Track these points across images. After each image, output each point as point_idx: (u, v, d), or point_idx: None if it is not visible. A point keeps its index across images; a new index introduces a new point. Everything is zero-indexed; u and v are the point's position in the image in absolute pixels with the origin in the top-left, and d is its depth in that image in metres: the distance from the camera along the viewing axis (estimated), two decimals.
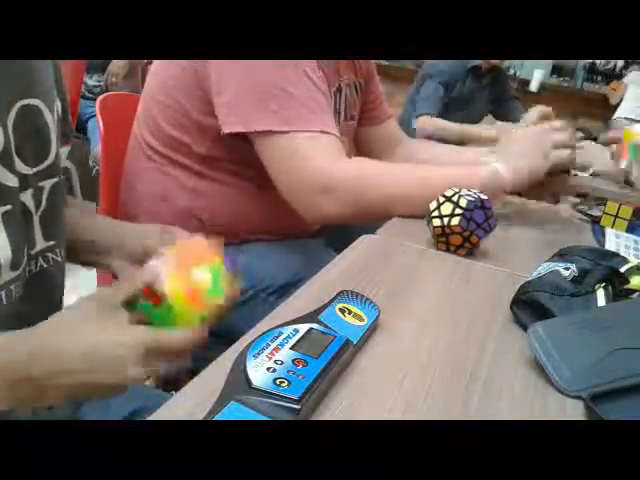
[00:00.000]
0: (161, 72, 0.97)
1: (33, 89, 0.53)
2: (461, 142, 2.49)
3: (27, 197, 0.53)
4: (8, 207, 0.50)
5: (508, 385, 0.52)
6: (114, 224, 0.70)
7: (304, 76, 0.85)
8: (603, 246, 0.96)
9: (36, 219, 0.55)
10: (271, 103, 0.84)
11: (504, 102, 2.75)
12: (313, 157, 0.85)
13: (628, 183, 1.87)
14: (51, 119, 0.56)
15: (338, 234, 1.23)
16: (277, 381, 0.41)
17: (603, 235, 1.02)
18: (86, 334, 0.45)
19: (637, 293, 0.64)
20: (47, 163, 0.56)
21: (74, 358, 0.43)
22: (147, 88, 1.01)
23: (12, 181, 0.50)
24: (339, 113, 1.02)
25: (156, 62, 1.00)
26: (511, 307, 0.66)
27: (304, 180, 0.86)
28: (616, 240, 0.99)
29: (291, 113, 0.84)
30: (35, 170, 0.54)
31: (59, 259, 0.59)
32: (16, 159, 0.51)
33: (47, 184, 0.56)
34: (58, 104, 0.60)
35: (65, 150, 0.62)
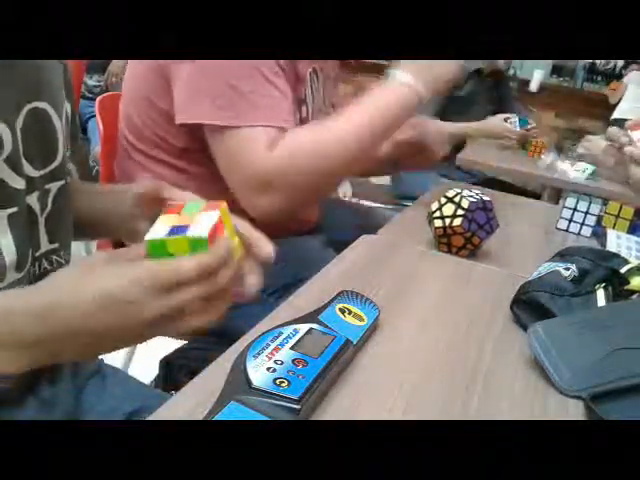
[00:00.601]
0: (133, 69, 0.98)
1: (42, 93, 0.54)
2: (462, 142, 2.49)
3: (33, 200, 0.53)
4: (14, 209, 0.50)
5: (508, 385, 0.52)
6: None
7: (257, 73, 0.84)
8: (604, 247, 0.96)
9: (41, 221, 0.55)
10: (218, 98, 0.82)
11: (505, 103, 2.74)
12: (248, 154, 0.82)
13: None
14: (59, 122, 0.56)
15: (337, 233, 1.23)
16: (277, 381, 0.41)
17: (604, 236, 1.02)
18: (100, 278, 0.43)
19: (637, 294, 0.64)
20: (54, 166, 0.56)
21: (89, 303, 0.42)
22: (124, 88, 1.01)
23: (19, 184, 0.50)
24: (307, 103, 0.99)
25: (130, 62, 1.00)
26: (511, 307, 0.66)
27: (242, 178, 0.84)
28: (617, 241, 0.99)
29: (235, 109, 0.82)
30: (42, 173, 0.54)
31: (63, 262, 0.59)
32: (24, 162, 0.51)
33: (54, 187, 0.56)
34: (67, 107, 0.60)
35: (68, 152, 0.62)
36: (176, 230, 0.45)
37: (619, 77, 4.44)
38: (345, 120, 0.87)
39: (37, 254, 0.55)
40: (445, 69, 0.93)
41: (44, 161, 0.55)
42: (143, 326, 0.43)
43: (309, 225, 1.11)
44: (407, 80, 0.89)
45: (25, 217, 0.52)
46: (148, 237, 0.45)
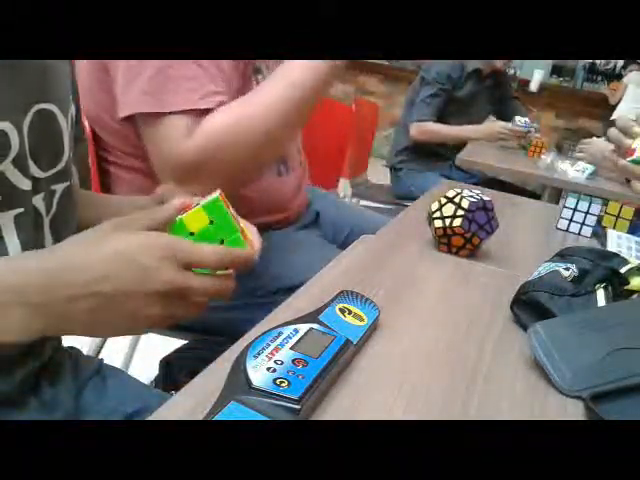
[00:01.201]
0: (81, 81, 0.95)
1: (49, 94, 0.54)
2: (462, 143, 2.49)
3: (39, 201, 0.53)
4: (20, 210, 0.50)
5: (508, 385, 0.52)
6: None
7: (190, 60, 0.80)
8: (605, 247, 0.96)
9: (47, 222, 0.55)
10: (147, 85, 0.79)
11: (505, 103, 2.75)
12: (168, 144, 0.80)
13: (629, 182, 1.88)
14: (65, 123, 0.56)
15: (336, 233, 1.23)
16: (277, 381, 0.41)
17: (605, 236, 1.02)
18: (111, 241, 0.44)
19: (637, 294, 0.64)
20: (60, 167, 0.56)
21: (99, 264, 0.42)
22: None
23: (26, 185, 0.50)
24: (262, 71, 0.96)
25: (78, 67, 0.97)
26: (511, 307, 0.66)
27: (166, 169, 0.82)
28: (618, 241, 0.99)
29: (159, 94, 0.79)
30: (48, 174, 0.54)
31: None
32: (30, 163, 0.51)
33: (59, 188, 0.56)
34: (73, 108, 0.60)
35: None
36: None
37: (619, 77, 4.44)
38: (255, 94, 0.83)
39: None
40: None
41: (50, 162, 0.55)
42: (151, 298, 0.43)
43: (291, 217, 1.09)
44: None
45: (31, 218, 0.52)
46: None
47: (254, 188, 0.97)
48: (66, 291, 0.42)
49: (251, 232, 0.55)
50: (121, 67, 0.80)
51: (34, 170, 0.52)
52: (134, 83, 0.80)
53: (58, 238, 0.57)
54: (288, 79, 0.82)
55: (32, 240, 0.52)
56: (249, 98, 0.83)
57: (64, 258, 0.43)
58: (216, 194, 0.49)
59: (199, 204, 0.48)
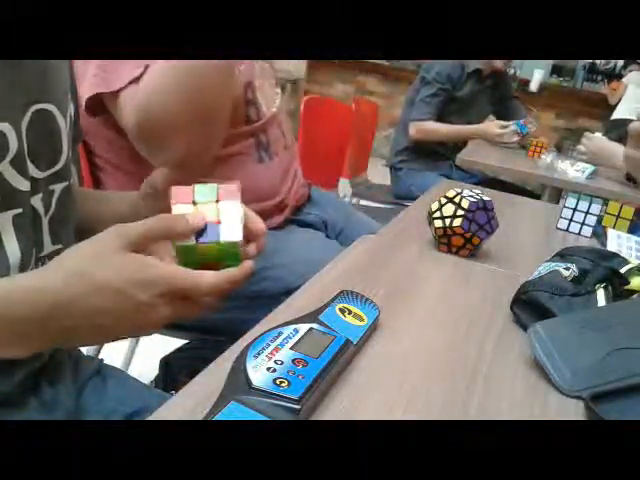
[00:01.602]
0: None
1: (47, 94, 0.53)
2: (462, 143, 2.49)
3: (37, 201, 0.53)
4: (19, 210, 0.50)
5: (508, 385, 0.52)
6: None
7: None
8: (605, 247, 0.96)
9: (45, 222, 0.55)
10: (96, 68, 0.77)
11: (505, 102, 2.74)
12: (126, 120, 0.77)
13: (630, 180, 1.88)
14: (64, 123, 0.56)
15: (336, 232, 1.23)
16: (277, 381, 0.41)
17: (605, 235, 1.02)
18: (111, 272, 0.44)
19: (637, 294, 0.64)
20: (59, 167, 0.56)
21: (99, 299, 0.43)
22: None
23: (24, 185, 0.50)
24: None
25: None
26: (511, 307, 0.66)
27: (136, 145, 0.78)
28: (618, 241, 0.99)
29: (109, 73, 0.77)
30: (47, 174, 0.54)
31: None
32: (29, 163, 0.51)
33: (57, 188, 0.56)
34: (72, 108, 0.60)
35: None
36: (206, 233, 0.46)
37: (619, 77, 4.45)
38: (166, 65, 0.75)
39: (41, 255, 0.55)
40: None
41: (49, 162, 0.55)
42: (148, 329, 0.45)
43: (285, 202, 1.08)
44: None
45: (30, 219, 0.52)
46: (178, 243, 0.46)
47: (233, 177, 0.96)
48: (65, 322, 0.44)
49: (254, 221, 0.53)
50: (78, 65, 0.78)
51: (32, 170, 0.52)
52: (90, 71, 0.78)
53: (56, 238, 0.57)
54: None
55: (31, 240, 0.52)
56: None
57: (62, 289, 0.44)
58: (237, 238, 0.47)
59: (219, 239, 0.47)
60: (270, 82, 1.05)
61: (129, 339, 1.47)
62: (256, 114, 0.98)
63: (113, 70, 0.77)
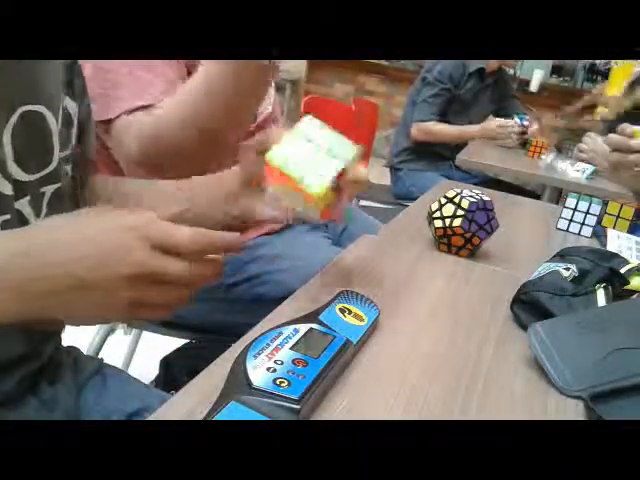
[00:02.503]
0: None
1: (36, 94, 0.52)
2: (462, 143, 2.49)
3: (24, 205, 0.52)
4: (7, 217, 0.49)
5: (508, 385, 0.52)
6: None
7: (134, 62, 0.81)
8: (605, 247, 0.96)
9: None
10: (93, 93, 0.77)
11: (505, 101, 2.75)
12: (123, 147, 0.81)
13: None
14: (55, 124, 0.55)
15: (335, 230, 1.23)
16: (277, 381, 0.41)
17: (605, 236, 1.02)
18: (91, 223, 0.43)
19: (637, 294, 0.64)
20: (50, 169, 0.55)
21: (76, 245, 0.41)
22: None
23: (6, 189, 0.49)
24: None
25: None
26: (511, 307, 0.66)
27: (131, 167, 0.83)
28: (618, 241, 0.99)
29: (103, 101, 0.80)
30: (36, 176, 0.53)
31: None
32: (13, 166, 0.49)
33: (48, 190, 0.55)
34: (72, 105, 0.59)
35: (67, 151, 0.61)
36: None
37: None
38: (184, 90, 0.81)
39: None
40: None
41: (39, 164, 0.53)
42: (121, 282, 0.41)
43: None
44: None
45: (16, 224, 0.50)
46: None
47: None
48: (43, 270, 0.41)
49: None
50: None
51: (18, 173, 0.50)
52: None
53: None
54: (207, 75, 0.79)
55: None
56: (177, 94, 0.81)
57: (40, 237, 0.42)
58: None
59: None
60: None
61: (129, 338, 1.47)
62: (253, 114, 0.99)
63: (105, 100, 0.80)
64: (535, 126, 2.39)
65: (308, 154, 0.55)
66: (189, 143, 0.82)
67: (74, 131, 0.61)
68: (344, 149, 0.57)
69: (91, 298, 0.42)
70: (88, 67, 0.80)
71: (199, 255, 0.44)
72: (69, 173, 0.62)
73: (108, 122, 0.81)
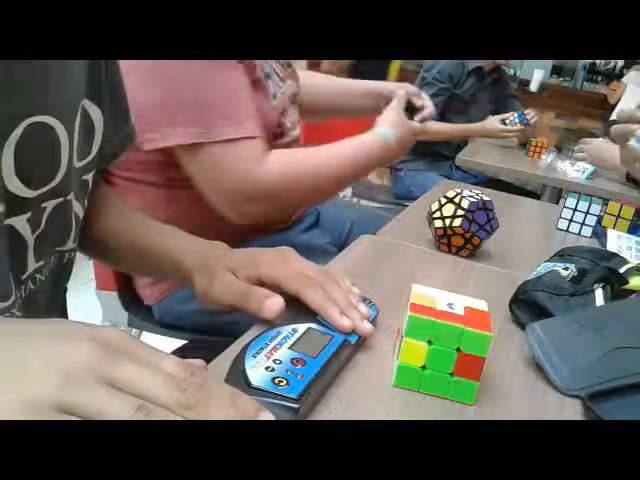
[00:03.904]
0: None
1: (44, 105, 0.49)
2: (462, 143, 2.49)
3: (20, 222, 0.48)
4: None
5: (507, 385, 0.52)
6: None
7: (216, 79, 0.83)
8: (605, 247, 0.96)
9: (31, 243, 0.51)
10: (180, 116, 0.82)
11: (504, 100, 2.75)
12: (232, 168, 0.85)
13: (630, 180, 1.88)
14: (65, 137, 0.51)
15: (337, 230, 1.23)
16: (276, 380, 0.41)
17: (605, 236, 1.02)
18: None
19: (636, 293, 0.64)
20: (54, 184, 0.51)
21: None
22: None
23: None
24: (274, 95, 0.99)
25: None
26: (510, 307, 0.66)
27: (227, 192, 0.87)
28: (618, 241, 0.99)
29: (203, 124, 0.83)
30: (39, 192, 0.50)
31: (43, 277, 0.55)
32: (13, 181, 0.46)
33: (50, 205, 0.52)
34: (95, 111, 0.57)
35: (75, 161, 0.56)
36: None
37: (619, 77, 4.44)
38: (333, 151, 0.96)
39: (23, 277, 0.51)
40: (410, 139, 1.09)
41: (43, 179, 0.50)
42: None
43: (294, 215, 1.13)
44: (388, 135, 1.03)
45: (6, 240, 0.47)
46: None
47: None
48: None
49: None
50: (140, 91, 0.80)
51: (19, 189, 0.47)
52: (158, 110, 0.83)
53: (40, 255, 0.52)
54: (359, 146, 0.98)
55: (7, 265, 0.47)
56: (326, 150, 0.95)
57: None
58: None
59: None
60: (294, 107, 1.10)
61: None
62: (282, 138, 1.02)
63: (205, 118, 0.83)
64: (535, 118, 2.36)
65: None
66: (317, 197, 1.00)
67: (97, 139, 0.58)
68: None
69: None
70: (162, 84, 0.82)
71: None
72: (90, 183, 0.59)
73: (203, 144, 0.83)
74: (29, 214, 0.49)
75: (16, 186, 0.47)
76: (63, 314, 0.66)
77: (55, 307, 0.61)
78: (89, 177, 0.59)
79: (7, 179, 0.46)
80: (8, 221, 0.47)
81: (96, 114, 0.58)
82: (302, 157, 0.93)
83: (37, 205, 0.50)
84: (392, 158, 1.08)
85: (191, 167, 0.87)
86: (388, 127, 1.03)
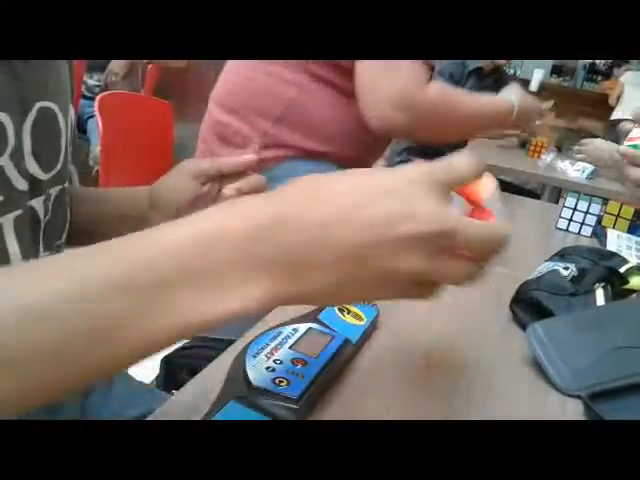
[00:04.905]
0: None
1: (50, 92, 0.51)
2: (464, 142, 2.49)
3: (38, 203, 0.51)
4: (19, 212, 0.48)
5: (507, 385, 0.52)
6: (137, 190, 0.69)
7: None
8: (604, 246, 0.96)
9: (42, 227, 0.53)
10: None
11: None
12: (396, 77, 0.93)
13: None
14: (64, 125, 0.54)
15: None
16: (276, 380, 0.41)
17: (605, 235, 1.02)
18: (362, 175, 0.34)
19: (636, 293, 0.64)
20: (57, 169, 0.54)
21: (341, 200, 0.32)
22: None
23: (22, 184, 0.48)
24: None
25: None
26: (511, 307, 0.66)
27: (389, 95, 0.94)
28: (617, 241, 0.99)
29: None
30: (49, 176, 0.52)
31: None
32: (31, 162, 0.49)
33: (54, 191, 0.54)
34: (72, 111, 0.59)
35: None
36: None
37: (608, 76, 4.43)
38: (480, 102, 1.10)
39: None
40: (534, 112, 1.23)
41: (50, 163, 0.53)
42: (406, 243, 0.32)
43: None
44: (515, 104, 1.13)
45: (28, 221, 0.50)
46: None
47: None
48: (302, 233, 0.32)
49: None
50: None
51: (35, 170, 0.50)
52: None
53: (48, 245, 0.54)
54: (492, 104, 1.13)
55: (31, 245, 0.50)
56: (470, 96, 1.09)
57: (293, 197, 0.33)
58: None
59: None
60: None
61: None
62: None
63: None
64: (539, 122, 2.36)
65: None
66: (451, 134, 1.14)
67: (73, 134, 0.60)
68: None
69: (367, 268, 0.32)
70: None
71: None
72: (72, 175, 0.61)
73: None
74: (43, 197, 0.51)
75: (34, 168, 0.49)
76: None
77: None
78: (73, 170, 0.61)
79: (27, 160, 0.48)
80: (30, 202, 0.49)
81: (72, 112, 0.59)
82: (456, 96, 1.04)
83: (47, 190, 0.52)
84: (508, 125, 1.21)
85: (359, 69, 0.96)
86: (515, 98, 1.14)
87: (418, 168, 0.36)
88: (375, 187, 0.33)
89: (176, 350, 1.25)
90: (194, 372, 0.47)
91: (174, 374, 1.20)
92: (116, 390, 0.64)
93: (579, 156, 2.06)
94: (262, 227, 0.31)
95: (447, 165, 0.38)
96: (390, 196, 0.33)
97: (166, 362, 1.22)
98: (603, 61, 4.86)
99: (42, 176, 0.51)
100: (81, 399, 0.61)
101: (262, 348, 0.45)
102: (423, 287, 0.37)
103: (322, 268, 0.32)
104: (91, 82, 2.91)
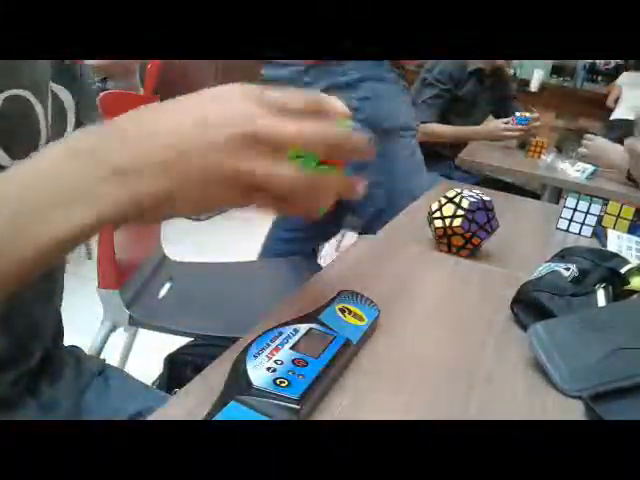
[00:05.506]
0: None
1: (20, 80, 0.51)
2: (463, 143, 2.49)
3: None
4: None
5: (508, 385, 0.52)
6: None
7: None
8: (605, 247, 0.96)
9: None
10: None
11: (504, 102, 2.75)
12: None
13: (631, 180, 1.88)
14: (41, 110, 0.54)
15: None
16: (277, 381, 0.41)
17: (605, 236, 1.02)
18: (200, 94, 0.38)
19: (637, 294, 0.64)
20: (36, 152, 0.54)
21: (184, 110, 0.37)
22: None
23: None
24: None
25: None
26: (511, 307, 0.66)
27: None
28: (618, 241, 0.99)
29: None
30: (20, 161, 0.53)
31: None
32: None
33: None
34: (63, 93, 0.59)
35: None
36: None
37: (616, 78, 4.44)
38: None
39: None
40: None
41: (25, 149, 0.51)
42: (231, 144, 0.35)
43: None
44: None
45: None
46: None
47: None
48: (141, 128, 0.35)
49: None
50: None
51: (1, 158, 0.49)
52: None
53: None
54: None
55: None
56: None
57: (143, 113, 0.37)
58: None
59: None
60: None
61: (127, 337, 1.47)
62: None
63: None
64: (539, 122, 2.36)
65: None
66: None
67: (71, 118, 0.60)
68: None
69: (200, 169, 0.35)
70: None
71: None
72: None
73: None
74: None
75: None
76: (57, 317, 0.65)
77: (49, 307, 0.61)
78: None
79: None
80: None
81: (65, 95, 0.59)
82: None
83: None
84: None
85: None
86: None
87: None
88: (200, 95, 0.37)
89: (180, 348, 1.25)
90: (199, 370, 0.47)
91: (178, 372, 1.20)
92: (113, 388, 0.64)
93: (582, 150, 2.06)
94: (86, 148, 0.35)
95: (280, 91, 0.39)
96: (213, 101, 0.37)
97: (169, 360, 1.22)
98: (603, 61, 4.86)
99: (9, 163, 0.50)
100: (76, 396, 0.61)
101: (263, 348, 0.45)
102: (262, 194, 0.38)
103: (151, 174, 0.34)
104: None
